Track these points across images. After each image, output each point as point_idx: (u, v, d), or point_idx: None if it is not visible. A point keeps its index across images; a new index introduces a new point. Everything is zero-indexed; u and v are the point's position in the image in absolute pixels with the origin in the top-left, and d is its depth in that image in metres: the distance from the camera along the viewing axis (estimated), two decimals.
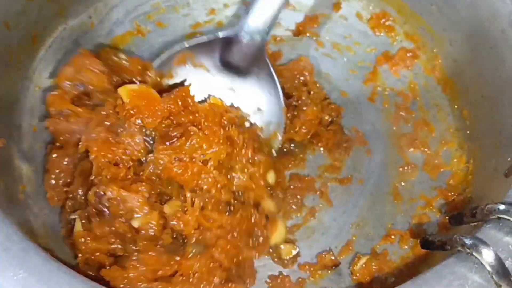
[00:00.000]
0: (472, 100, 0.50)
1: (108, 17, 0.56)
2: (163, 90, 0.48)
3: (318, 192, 0.51)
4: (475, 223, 0.36)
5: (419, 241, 0.41)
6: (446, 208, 0.46)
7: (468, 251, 0.32)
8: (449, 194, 0.48)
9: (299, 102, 0.52)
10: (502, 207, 0.33)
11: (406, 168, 0.51)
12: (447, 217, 0.42)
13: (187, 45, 0.51)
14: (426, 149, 0.52)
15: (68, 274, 0.30)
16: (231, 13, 0.60)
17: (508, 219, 0.33)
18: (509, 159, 0.40)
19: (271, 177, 0.48)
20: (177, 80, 0.51)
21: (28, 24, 0.48)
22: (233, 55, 0.51)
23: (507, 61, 0.44)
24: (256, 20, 0.50)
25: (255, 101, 0.52)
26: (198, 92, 0.48)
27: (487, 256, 0.31)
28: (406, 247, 0.46)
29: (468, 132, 0.50)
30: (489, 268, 0.31)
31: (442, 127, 0.53)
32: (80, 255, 0.40)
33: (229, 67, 0.52)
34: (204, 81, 0.52)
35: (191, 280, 0.40)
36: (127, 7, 0.57)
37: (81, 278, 0.30)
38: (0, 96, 0.45)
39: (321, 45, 0.58)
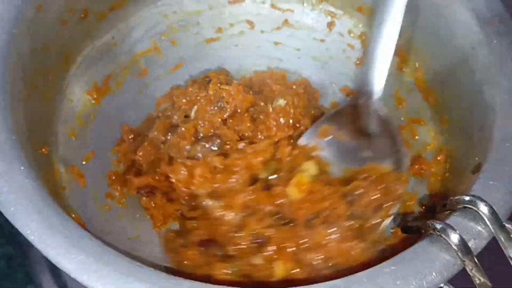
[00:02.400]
0: (448, 108, 0.56)
1: (129, 37, 0.62)
2: None
3: None
4: (447, 212, 0.43)
5: (400, 227, 0.48)
6: (426, 201, 0.54)
7: (438, 233, 0.39)
8: (430, 191, 0.55)
9: None
10: (467, 198, 0.40)
11: None
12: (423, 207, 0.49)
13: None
14: (410, 151, 0.59)
15: (118, 256, 0.37)
16: (237, 31, 0.67)
17: (472, 208, 0.40)
18: (476, 158, 0.47)
19: None
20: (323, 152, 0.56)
21: (63, 45, 0.54)
22: (361, 119, 0.57)
23: (476, 74, 0.51)
24: (375, 84, 0.56)
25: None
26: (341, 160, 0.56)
27: (453, 238, 0.38)
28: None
29: (446, 135, 0.56)
30: (455, 248, 0.38)
31: (423, 130, 0.59)
32: None
33: (360, 131, 0.57)
34: (345, 150, 0.56)
35: None
36: (145, 27, 0.64)
37: (127, 258, 0.38)
38: (41, 110, 0.51)
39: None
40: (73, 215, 0.48)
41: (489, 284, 0.37)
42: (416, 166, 0.57)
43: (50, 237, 0.37)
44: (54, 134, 0.53)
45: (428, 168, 0.57)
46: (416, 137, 0.60)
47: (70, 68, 0.57)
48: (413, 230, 0.44)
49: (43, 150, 0.49)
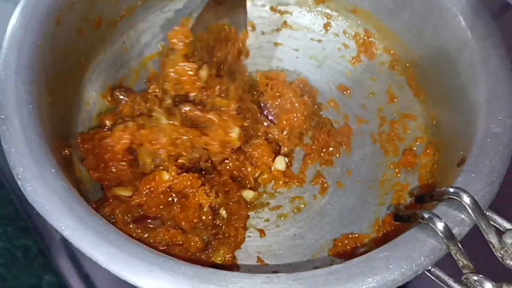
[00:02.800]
0: (436, 105, 0.61)
1: (138, 42, 0.67)
2: None
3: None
4: (434, 202, 0.48)
5: (392, 215, 0.53)
6: (417, 191, 0.58)
7: (426, 222, 0.44)
8: (420, 182, 0.60)
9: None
10: (451, 190, 0.45)
11: (386, 160, 0.64)
12: (413, 198, 0.54)
13: None
14: (402, 144, 0.64)
15: (142, 247, 0.42)
16: None
17: (456, 199, 0.45)
18: (461, 152, 0.51)
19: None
20: None
21: (79, 53, 0.59)
22: None
23: (461, 75, 0.55)
24: None
25: None
26: None
27: (439, 225, 0.42)
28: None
29: (434, 130, 0.61)
30: (440, 234, 0.42)
31: (414, 125, 0.64)
32: None
33: None
34: None
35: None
36: (153, 32, 0.68)
37: (150, 249, 0.42)
38: (62, 114, 0.55)
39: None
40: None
41: (472, 265, 0.42)
42: (405, 157, 0.62)
43: (82, 232, 0.41)
44: (74, 136, 0.58)
45: (415, 160, 0.61)
46: (408, 131, 0.64)
47: (86, 73, 0.61)
48: (404, 218, 0.49)
49: (67, 151, 0.53)
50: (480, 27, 0.55)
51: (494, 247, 0.43)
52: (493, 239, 0.43)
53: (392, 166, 0.63)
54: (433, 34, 0.60)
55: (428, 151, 0.61)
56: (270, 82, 0.66)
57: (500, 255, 0.43)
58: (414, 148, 0.62)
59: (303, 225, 0.60)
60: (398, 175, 0.62)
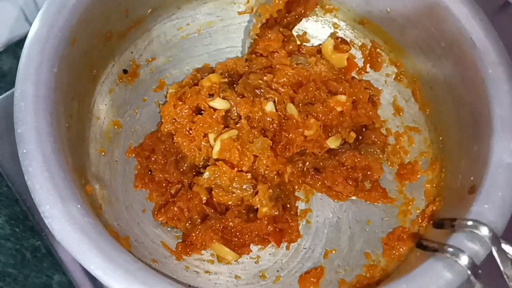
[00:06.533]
0: (444, 121, 0.62)
1: (146, 51, 0.66)
2: None
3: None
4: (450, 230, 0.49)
5: (415, 243, 0.56)
6: (422, 213, 0.60)
7: (450, 256, 0.46)
8: (426, 198, 0.61)
9: None
10: (470, 223, 0.47)
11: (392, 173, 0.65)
12: (431, 222, 0.56)
13: None
14: (407, 157, 0.65)
15: (172, 285, 0.43)
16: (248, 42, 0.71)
17: (474, 232, 0.47)
18: (471, 178, 0.53)
19: None
20: None
21: (91, 68, 0.58)
22: None
23: (472, 100, 0.56)
24: None
25: None
26: None
27: (464, 260, 0.45)
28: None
29: (441, 146, 0.62)
30: (468, 272, 0.44)
31: (420, 139, 0.65)
32: None
33: None
34: None
35: None
36: (160, 41, 0.67)
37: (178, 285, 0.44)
38: (77, 134, 0.55)
39: None
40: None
41: None
42: (400, 170, 0.64)
43: (112, 271, 0.42)
44: (87, 153, 0.58)
45: (411, 173, 0.63)
46: (413, 145, 0.65)
47: (96, 87, 0.61)
48: (427, 248, 0.51)
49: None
50: (493, 54, 0.55)
51: (508, 277, 0.46)
52: (508, 271, 0.46)
53: (397, 179, 0.64)
54: (443, 53, 0.60)
55: (434, 166, 0.62)
56: None
57: None
58: (420, 163, 0.64)
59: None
60: (404, 188, 0.63)
